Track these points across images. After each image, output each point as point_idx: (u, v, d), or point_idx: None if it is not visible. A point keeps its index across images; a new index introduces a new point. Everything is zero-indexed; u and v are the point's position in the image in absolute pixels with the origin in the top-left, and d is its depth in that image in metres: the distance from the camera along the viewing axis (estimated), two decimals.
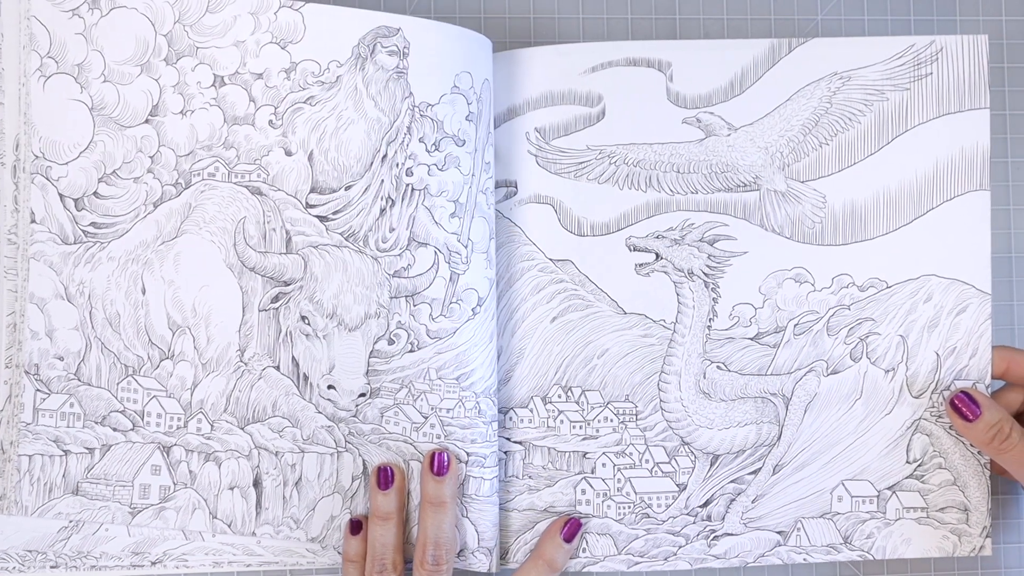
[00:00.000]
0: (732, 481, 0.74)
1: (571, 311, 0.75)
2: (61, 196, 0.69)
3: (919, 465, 0.75)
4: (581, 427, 0.74)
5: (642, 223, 0.75)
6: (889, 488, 0.75)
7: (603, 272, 0.75)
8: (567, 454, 0.74)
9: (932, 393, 0.74)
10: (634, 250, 0.75)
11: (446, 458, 0.69)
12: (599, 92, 0.75)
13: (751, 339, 0.75)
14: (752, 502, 0.74)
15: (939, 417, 0.74)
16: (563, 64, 0.75)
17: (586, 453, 0.74)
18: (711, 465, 0.74)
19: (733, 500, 0.74)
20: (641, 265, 0.75)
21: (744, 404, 0.75)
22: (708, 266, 0.75)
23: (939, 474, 0.75)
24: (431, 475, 0.69)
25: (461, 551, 0.71)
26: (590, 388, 0.74)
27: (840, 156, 0.75)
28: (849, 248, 0.75)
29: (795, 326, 0.75)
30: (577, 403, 0.74)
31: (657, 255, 0.75)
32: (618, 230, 0.75)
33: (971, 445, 0.74)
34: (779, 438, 0.75)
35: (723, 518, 0.74)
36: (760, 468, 0.74)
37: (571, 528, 0.73)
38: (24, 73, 0.69)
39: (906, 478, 0.75)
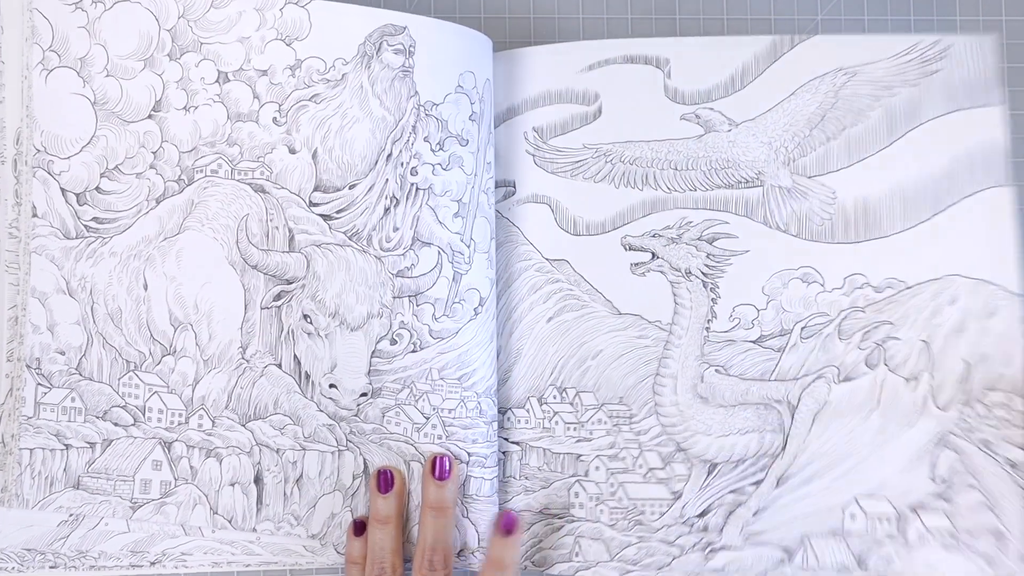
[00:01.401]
0: (731, 491, 0.71)
1: (566, 311, 0.74)
2: (63, 190, 0.69)
3: (945, 484, 0.69)
4: (575, 429, 0.73)
5: (638, 222, 0.74)
6: (910, 507, 0.69)
7: (598, 272, 0.74)
8: (561, 456, 0.73)
9: (962, 405, 0.70)
10: (629, 249, 0.74)
11: (447, 463, 0.69)
12: (596, 90, 0.74)
13: (753, 342, 0.72)
14: (753, 515, 0.70)
15: (970, 432, 0.69)
16: (560, 62, 0.74)
17: (580, 455, 0.72)
18: (708, 473, 0.71)
19: (732, 512, 0.71)
20: (637, 265, 0.74)
21: (745, 411, 0.72)
22: (707, 265, 0.73)
23: (969, 494, 0.69)
24: (432, 480, 0.69)
25: (460, 551, 0.71)
26: (584, 389, 0.73)
27: (849, 151, 0.73)
28: (862, 246, 0.72)
29: (802, 329, 0.72)
30: (572, 404, 0.73)
31: (653, 254, 0.74)
32: (613, 229, 0.74)
33: (1010, 466, 0.69)
34: (784, 448, 0.71)
35: (721, 530, 0.71)
36: (763, 479, 0.71)
37: (506, 521, 0.68)
38: (26, 66, 0.69)
39: (930, 497, 0.69)
